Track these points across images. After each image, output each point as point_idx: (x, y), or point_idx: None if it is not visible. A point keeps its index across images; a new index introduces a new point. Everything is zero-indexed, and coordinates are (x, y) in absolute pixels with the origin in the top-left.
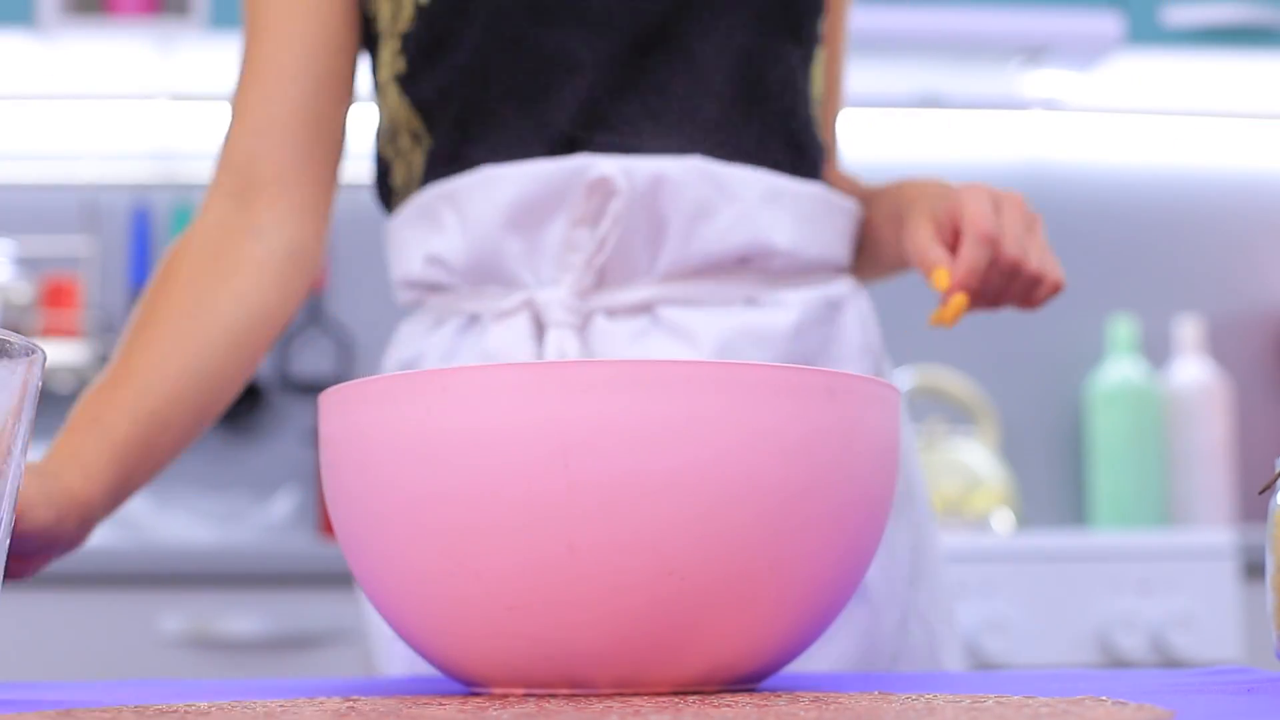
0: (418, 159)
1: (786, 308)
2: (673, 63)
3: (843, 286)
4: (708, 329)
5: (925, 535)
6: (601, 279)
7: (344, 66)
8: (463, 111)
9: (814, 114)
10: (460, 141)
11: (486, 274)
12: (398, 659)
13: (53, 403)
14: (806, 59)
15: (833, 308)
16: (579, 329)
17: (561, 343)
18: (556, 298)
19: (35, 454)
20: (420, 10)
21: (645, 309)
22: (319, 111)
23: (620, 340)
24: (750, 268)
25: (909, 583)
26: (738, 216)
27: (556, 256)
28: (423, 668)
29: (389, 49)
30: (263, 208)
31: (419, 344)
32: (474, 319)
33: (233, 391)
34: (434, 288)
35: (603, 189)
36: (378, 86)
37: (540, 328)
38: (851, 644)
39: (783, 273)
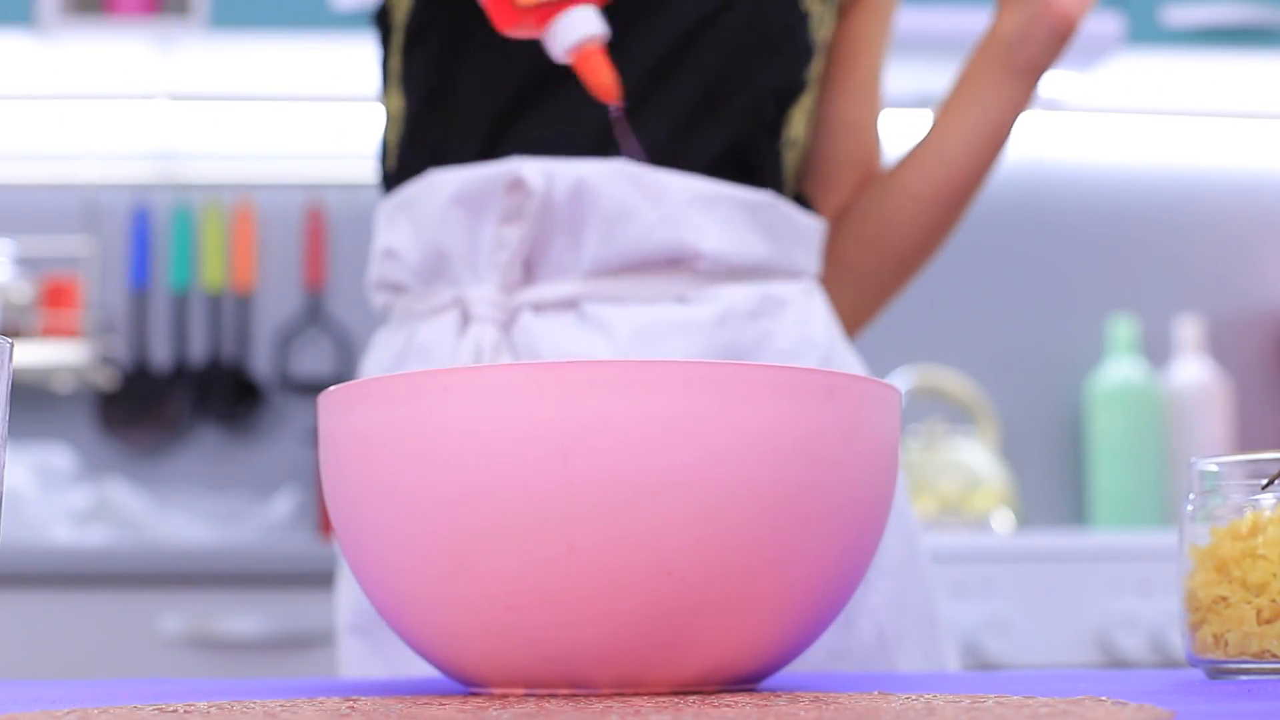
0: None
1: (712, 302)
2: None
3: (792, 288)
4: (626, 321)
5: (888, 534)
6: (530, 276)
7: None
8: (420, 105)
9: (787, 159)
10: (416, 137)
11: (433, 273)
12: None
13: (53, 403)
14: (779, 129)
15: (775, 303)
16: (504, 324)
17: (480, 336)
18: (483, 294)
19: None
20: (414, 2)
21: (571, 305)
22: None
23: (543, 334)
24: (681, 268)
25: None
26: (660, 219)
27: (488, 254)
28: (372, 669)
29: (397, 43)
30: None
31: (379, 354)
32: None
33: None
34: (395, 287)
35: (520, 189)
36: (386, 81)
37: (468, 322)
38: None
39: (714, 274)
